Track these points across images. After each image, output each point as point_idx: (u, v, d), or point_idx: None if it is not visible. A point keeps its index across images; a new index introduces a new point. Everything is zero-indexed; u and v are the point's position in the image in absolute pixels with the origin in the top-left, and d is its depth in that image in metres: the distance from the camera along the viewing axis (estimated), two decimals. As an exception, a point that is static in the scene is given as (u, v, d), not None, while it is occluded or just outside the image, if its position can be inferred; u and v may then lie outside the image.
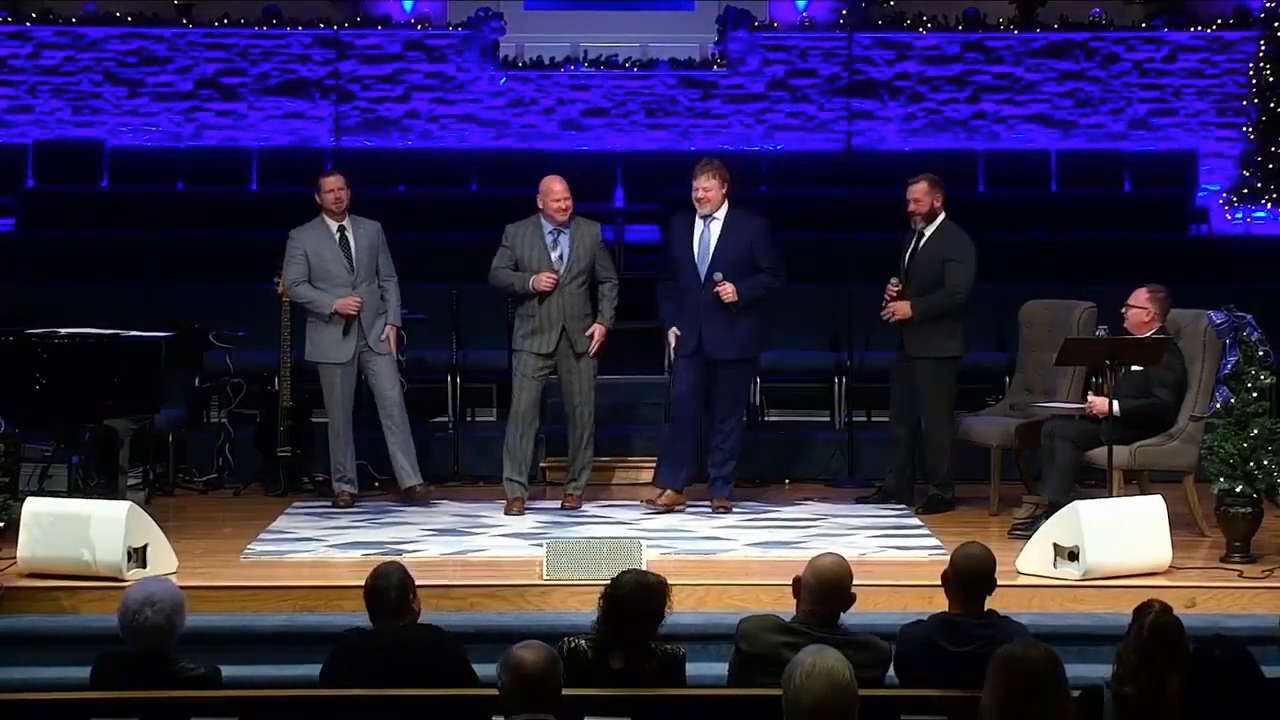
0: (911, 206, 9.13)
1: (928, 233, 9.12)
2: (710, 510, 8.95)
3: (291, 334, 9.48)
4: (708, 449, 9.12)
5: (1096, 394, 8.49)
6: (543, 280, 8.93)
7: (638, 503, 9.19)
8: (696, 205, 8.91)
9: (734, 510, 8.98)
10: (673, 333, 8.95)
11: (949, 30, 14.62)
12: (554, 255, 9.02)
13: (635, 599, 5.17)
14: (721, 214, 8.91)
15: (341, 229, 9.26)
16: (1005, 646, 4.20)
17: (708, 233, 8.90)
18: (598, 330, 9.07)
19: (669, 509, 8.91)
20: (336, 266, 9.21)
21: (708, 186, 8.89)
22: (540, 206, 9.10)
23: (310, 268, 9.20)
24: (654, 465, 9.30)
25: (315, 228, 9.28)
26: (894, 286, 9.07)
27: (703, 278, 8.85)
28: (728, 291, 8.76)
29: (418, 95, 14.53)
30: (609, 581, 5.27)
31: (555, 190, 9.05)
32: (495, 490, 9.30)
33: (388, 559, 6.36)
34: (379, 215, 9.61)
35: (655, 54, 14.80)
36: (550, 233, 9.05)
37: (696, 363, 8.92)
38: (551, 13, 15.03)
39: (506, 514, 8.93)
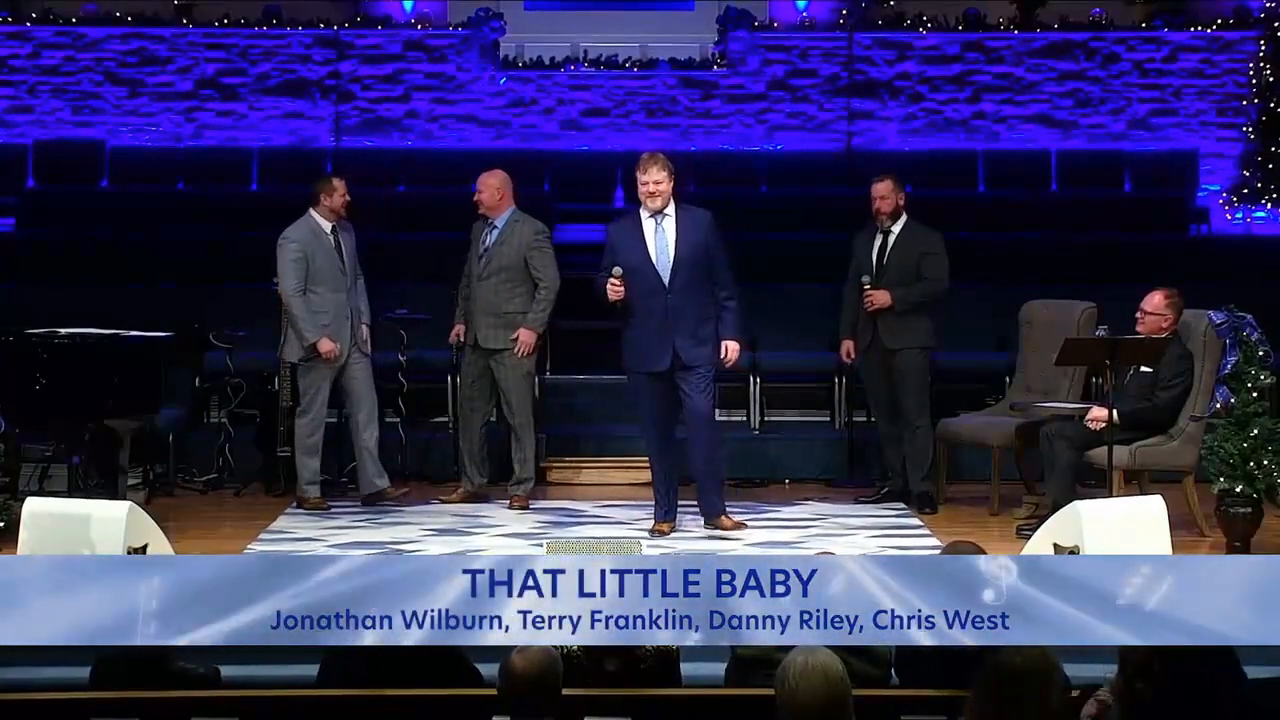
0: (877, 205, 9.11)
1: (896, 229, 9.12)
2: (706, 527, 8.42)
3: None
4: (691, 462, 8.47)
5: (1098, 395, 8.48)
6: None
7: (637, 503, 9.16)
8: (646, 201, 8.18)
9: (734, 514, 8.59)
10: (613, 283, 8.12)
11: (949, 30, 14.61)
12: (481, 247, 9.19)
13: None
14: (671, 210, 8.21)
15: (334, 230, 9.21)
16: (1004, 649, 4.18)
17: (662, 233, 8.20)
18: (523, 333, 9.03)
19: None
20: (332, 269, 9.13)
21: (659, 180, 8.17)
22: None
23: (307, 271, 9.08)
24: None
25: (310, 228, 9.16)
26: (868, 284, 9.08)
27: (666, 282, 8.16)
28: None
29: (418, 95, 14.53)
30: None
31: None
32: (496, 490, 9.32)
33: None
34: (379, 215, 9.65)
35: (655, 54, 14.79)
36: (487, 226, 9.23)
37: (663, 377, 8.23)
38: (551, 13, 15.03)
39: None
